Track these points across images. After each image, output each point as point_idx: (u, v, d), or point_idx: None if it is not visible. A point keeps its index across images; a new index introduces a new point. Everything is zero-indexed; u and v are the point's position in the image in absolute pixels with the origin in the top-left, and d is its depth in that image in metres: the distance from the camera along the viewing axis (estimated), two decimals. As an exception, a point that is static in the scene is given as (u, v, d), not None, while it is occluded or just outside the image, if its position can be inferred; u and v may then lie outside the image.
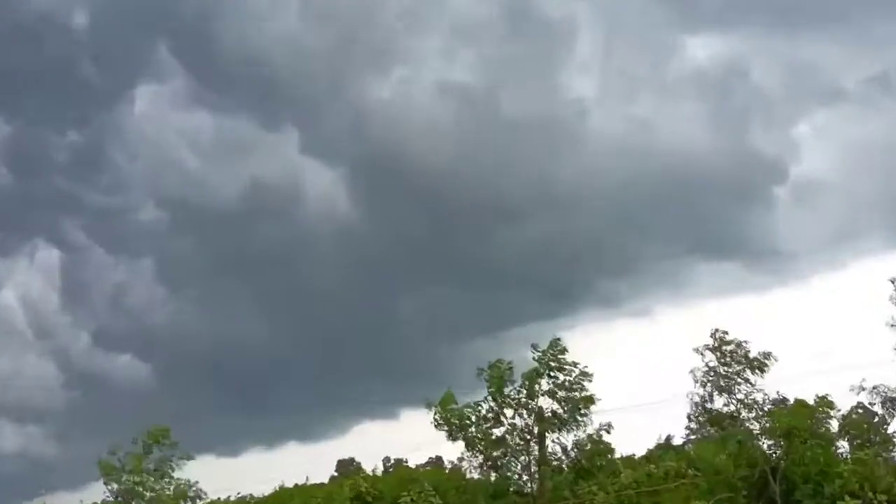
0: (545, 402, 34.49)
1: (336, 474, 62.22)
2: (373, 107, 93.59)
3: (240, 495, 48.79)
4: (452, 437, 34.60)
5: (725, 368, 35.05)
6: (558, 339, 35.02)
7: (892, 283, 36.19)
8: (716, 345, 35.14)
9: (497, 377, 34.72)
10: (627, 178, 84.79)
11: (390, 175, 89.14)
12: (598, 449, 35.01)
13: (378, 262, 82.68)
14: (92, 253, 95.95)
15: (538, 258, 79.82)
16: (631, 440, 37.77)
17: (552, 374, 34.57)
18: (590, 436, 34.74)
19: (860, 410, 42.61)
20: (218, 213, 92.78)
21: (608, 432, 34.69)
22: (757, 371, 34.59)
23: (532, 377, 34.29)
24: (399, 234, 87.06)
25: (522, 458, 34.53)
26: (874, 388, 39.99)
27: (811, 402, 36.87)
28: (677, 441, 45.10)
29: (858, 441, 40.06)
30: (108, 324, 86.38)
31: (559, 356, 34.70)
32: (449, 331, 76.42)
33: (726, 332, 35.29)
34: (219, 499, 44.70)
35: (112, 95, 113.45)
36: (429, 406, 34.59)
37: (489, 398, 34.87)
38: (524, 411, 34.84)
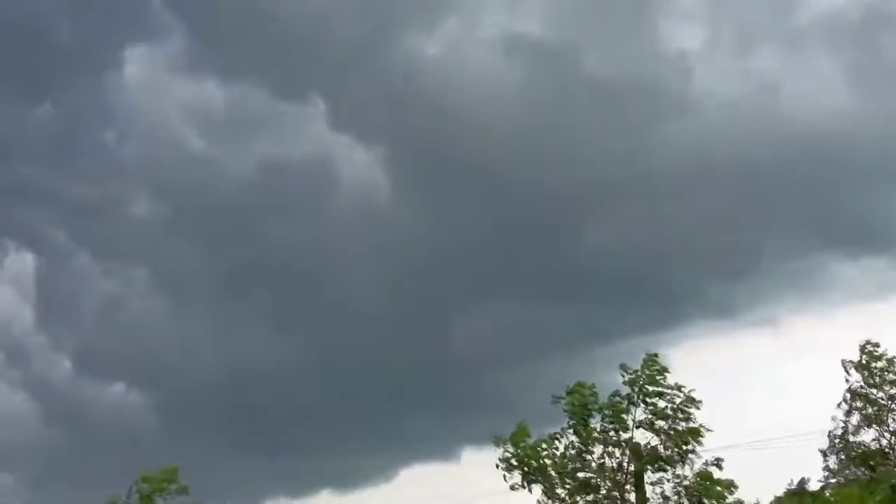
0: (641, 436, 28.11)
1: (383, 529, 55.68)
2: (418, 68, 74.50)
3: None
4: (527, 480, 28.16)
5: (875, 391, 27.66)
6: (655, 356, 28.49)
7: None
8: (864, 361, 27.84)
9: (580, 405, 28.27)
10: (745, 154, 67.73)
11: (443, 155, 70.47)
12: (711, 491, 27.97)
13: (430, 268, 67.32)
14: (74, 258, 76.81)
15: (632, 257, 64.91)
16: (754, 485, 30.39)
17: (648, 400, 28.12)
18: (697, 475, 27.87)
19: None
20: (229, 206, 74.81)
21: (719, 468, 27.83)
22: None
23: (616, 405, 28.03)
24: (455, 232, 70.70)
25: (615, 505, 27.94)
26: None
27: None
28: (814, 486, 37.31)
29: None
30: (96, 346, 69.83)
31: (657, 378, 28.16)
32: (521, 351, 63.52)
33: (877, 345, 28.00)
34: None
35: (94, 58, 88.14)
36: (498, 442, 28.32)
37: (569, 431, 28.50)
38: (615, 449, 28.37)
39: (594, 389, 28.46)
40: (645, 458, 27.86)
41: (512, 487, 27.93)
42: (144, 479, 26.02)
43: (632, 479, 27.95)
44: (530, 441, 28.34)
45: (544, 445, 28.35)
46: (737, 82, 76.52)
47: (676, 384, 28.05)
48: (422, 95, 73.20)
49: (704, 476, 27.84)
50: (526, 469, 28.06)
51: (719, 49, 78.91)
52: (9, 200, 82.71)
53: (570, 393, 28.55)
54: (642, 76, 71.81)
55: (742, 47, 79.83)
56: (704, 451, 27.95)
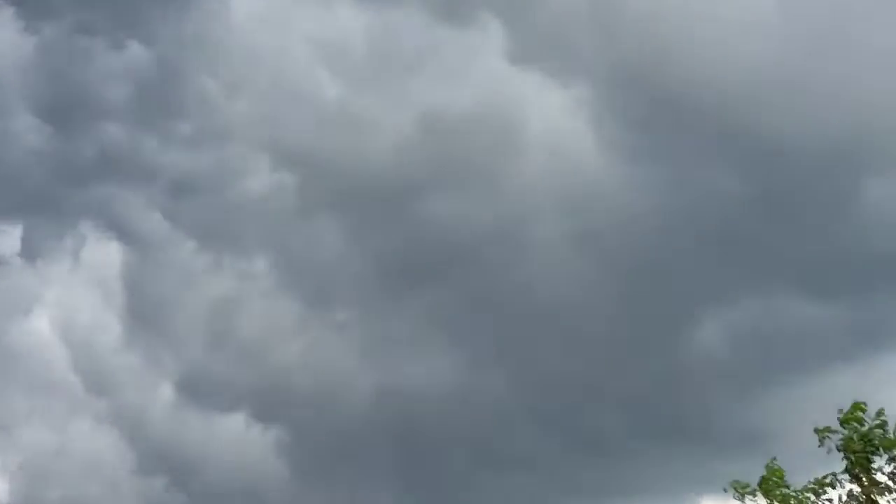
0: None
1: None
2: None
3: None
4: (791, 543, 20.44)
5: None
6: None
7: None
8: None
9: (860, 439, 20.29)
10: None
11: (664, 97, 52.18)
12: None
13: (653, 252, 51.12)
14: (173, 246, 57.26)
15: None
16: None
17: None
18: None
19: None
20: (377, 174, 55.43)
21: None
22: None
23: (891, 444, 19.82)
24: (688, 201, 53.66)
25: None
26: None
27: None
28: None
29: None
30: (205, 366, 53.55)
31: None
32: (781, 365, 47.52)
33: None
34: None
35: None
36: (740, 492, 20.73)
37: (845, 476, 20.70)
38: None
39: (883, 417, 20.26)
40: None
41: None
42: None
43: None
44: (789, 490, 20.63)
45: (811, 496, 20.58)
46: None
47: None
48: (632, 17, 54.57)
49: None
50: (788, 529, 20.31)
51: None
52: (86, 171, 61.64)
53: (843, 422, 20.56)
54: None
55: None
56: None
